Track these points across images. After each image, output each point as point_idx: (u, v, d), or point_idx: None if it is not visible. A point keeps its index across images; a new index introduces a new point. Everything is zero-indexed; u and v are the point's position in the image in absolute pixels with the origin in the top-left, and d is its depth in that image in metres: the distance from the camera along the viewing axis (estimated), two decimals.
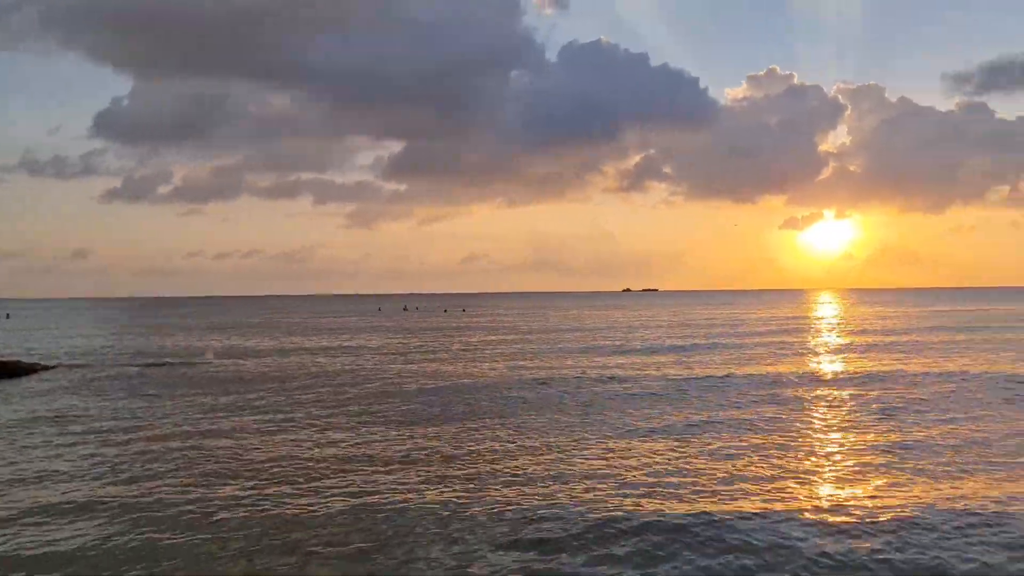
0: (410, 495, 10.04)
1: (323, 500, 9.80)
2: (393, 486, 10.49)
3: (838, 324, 56.03)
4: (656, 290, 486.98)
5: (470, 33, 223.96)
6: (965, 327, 47.12)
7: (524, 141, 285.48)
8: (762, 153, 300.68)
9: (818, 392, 19.70)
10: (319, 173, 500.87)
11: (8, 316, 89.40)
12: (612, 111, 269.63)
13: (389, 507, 9.48)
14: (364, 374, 25.27)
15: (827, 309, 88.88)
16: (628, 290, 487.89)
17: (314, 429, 15.14)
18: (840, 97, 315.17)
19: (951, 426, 14.43)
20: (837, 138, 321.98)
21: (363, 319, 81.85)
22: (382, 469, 11.54)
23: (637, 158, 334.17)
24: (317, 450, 13.00)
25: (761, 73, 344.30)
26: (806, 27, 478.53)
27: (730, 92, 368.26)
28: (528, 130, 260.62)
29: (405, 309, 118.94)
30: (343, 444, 13.51)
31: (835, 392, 19.68)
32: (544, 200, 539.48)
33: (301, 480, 10.93)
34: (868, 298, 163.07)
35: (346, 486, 10.51)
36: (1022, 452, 12.06)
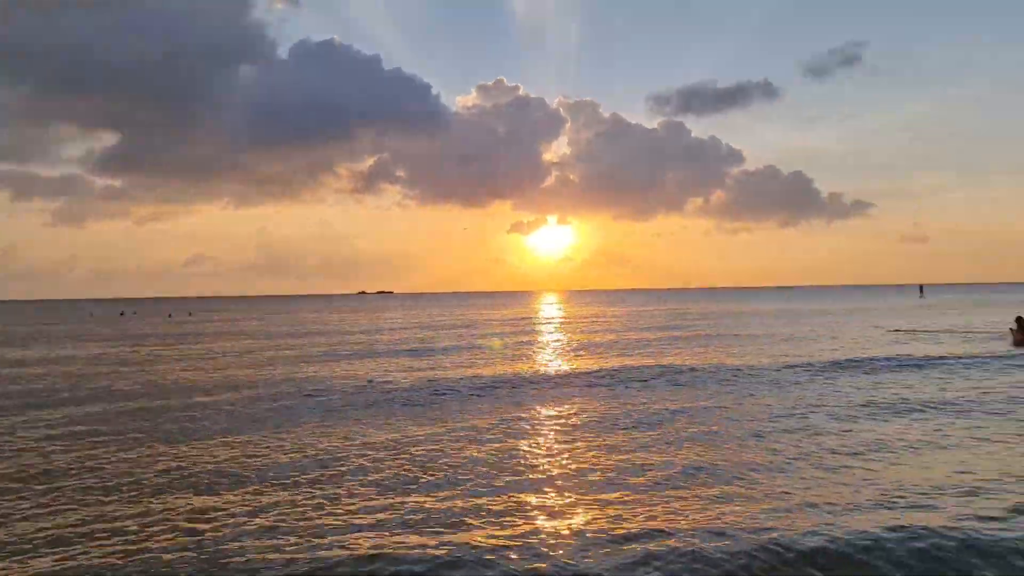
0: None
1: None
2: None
3: (563, 323, 61.27)
4: (392, 292, 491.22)
5: (196, 21, 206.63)
6: (671, 325, 54.15)
7: (254, 139, 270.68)
8: (491, 159, 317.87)
9: (543, 392, 21.18)
10: (19, 164, 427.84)
11: None
12: (345, 112, 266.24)
13: None
14: (84, 385, 22.24)
15: (552, 310, 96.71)
16: (364, 293, 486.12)
17: None
18: (561, 110, 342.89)
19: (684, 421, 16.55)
20: (559, 148, 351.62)
21: (75, 326, 72.01)
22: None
23: (371, 160, 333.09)
24: None
25: (490, 83, 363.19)
26: (531, 43, 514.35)
27: (460, 99, 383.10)
28: (258, 127, 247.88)
29: (122, 315, 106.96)
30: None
31: (561, 393, 21.47)
32: (275, 201, 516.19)
33: None
34: (586, 299, 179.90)
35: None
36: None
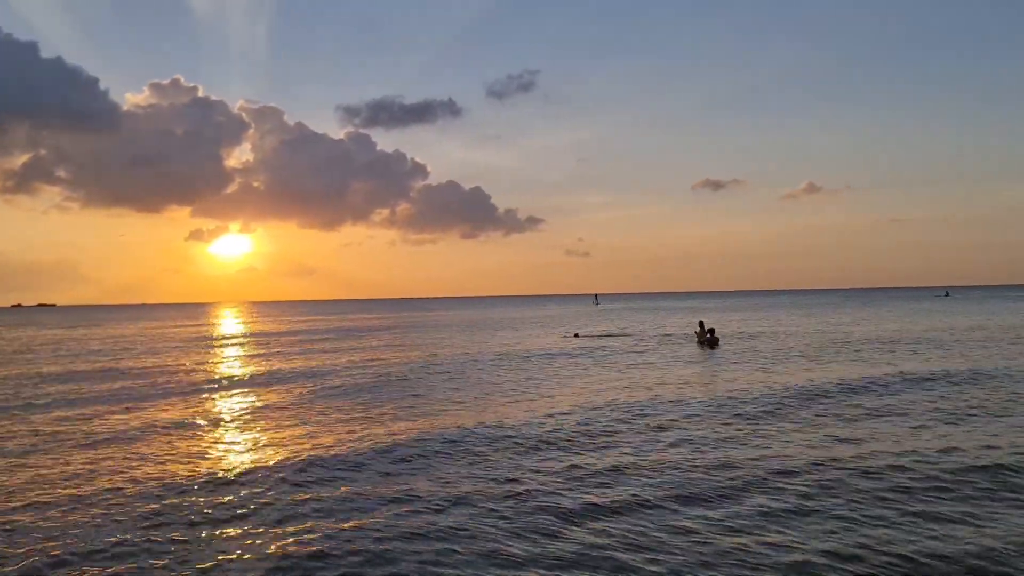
0: None
1: None
2: None
3: (247, 341, 55.04)
4: (54, 305, 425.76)
5: None
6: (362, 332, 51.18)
7: None
8: (167, 162, 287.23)
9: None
10: None
11: None
12: None
13: None
14: None
15: (235, 324, 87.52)
16: (19, 305, 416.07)
17: None
18: (244, 115, 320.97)
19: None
20: (242, 154, 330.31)
21: None
22: None
23: (24, 157, 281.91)
24: None
25: (165, 82, 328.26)
26: (212, 42, 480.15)
27: (131, 97, 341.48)
28: None
29: None
30: None
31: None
32: None
33: None
34: (271, 310, 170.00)
35: None
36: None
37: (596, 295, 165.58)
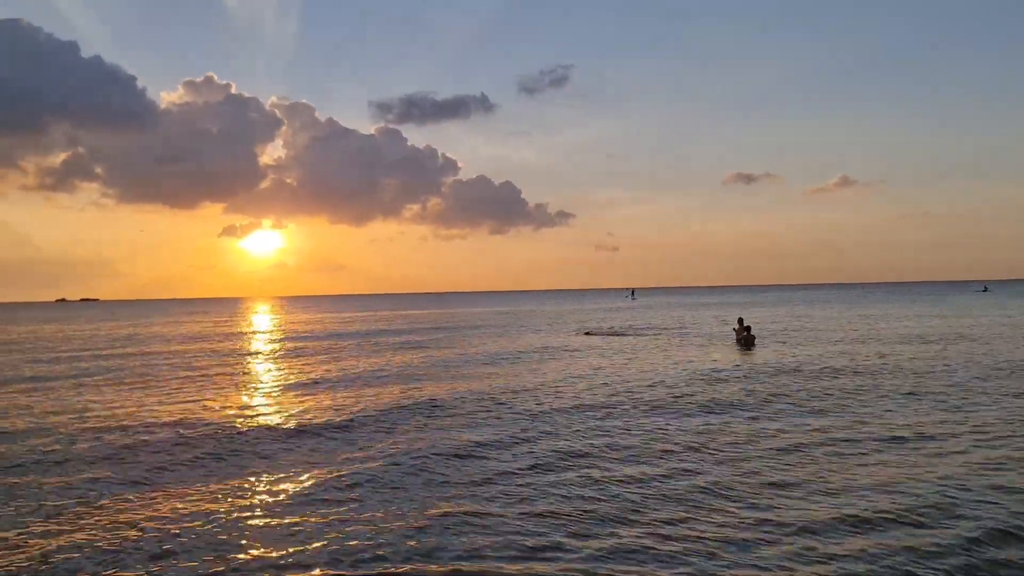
0: None
1: None
2: None
3: (278, 335, 54.80)
4: (97, 300, 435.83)
5: None
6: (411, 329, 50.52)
7: None
8: (201, 159, 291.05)
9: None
10: None
11: None
12: (33, 100, 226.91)
13: None
14: None
15: (267, 319, 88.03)
16: (64, 300, 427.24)
17: None
18: (277, 112, 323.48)
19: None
20: (275, 151, 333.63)
21: None
22: None
23: (64, 155, 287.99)
24: None
25: (199, 79, 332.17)
26: (244, 39, 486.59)
27: (166, 95, 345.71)
28: None
29: None
30: None
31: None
32: None
33: None
34: (303, 304, 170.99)
35: None
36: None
37: (632, 290, 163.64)
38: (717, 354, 27.02)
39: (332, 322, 67.82)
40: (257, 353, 33.87)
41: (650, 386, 18.67)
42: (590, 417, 14.47)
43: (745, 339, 30.97)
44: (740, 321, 33.99)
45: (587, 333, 41.10)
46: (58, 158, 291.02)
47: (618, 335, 39.13)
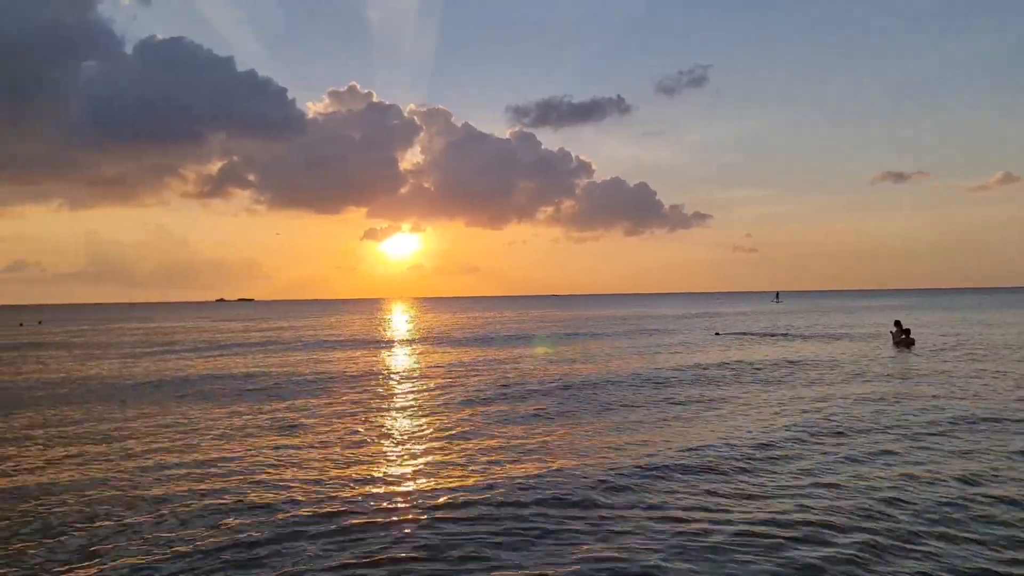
0: None
1: None
2: None
3: (422, 334, 60.11)
4: (252, 300, 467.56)
5: (33, 14, 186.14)
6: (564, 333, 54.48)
7: (92, 138, 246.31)
8: (344, 166, 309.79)
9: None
10: None
11: None
12: (194, 113, 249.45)
13: None
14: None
15: (405, 319, 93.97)
16: (223, 300, 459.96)
17: None
18: (415, 118, 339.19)
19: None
20: (413, 156, 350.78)
21: None
22: None
23: (220, 164, 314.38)
24: None
25: (342, 89, 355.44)
26: (384, 48, 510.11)
27: (312, 105, 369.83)
28: (97, 126, 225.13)
29: None
30: None
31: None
32: (113, 203, 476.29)
33: None
34: (439, 305, 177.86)
35: None
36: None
37: (777, 292, 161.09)
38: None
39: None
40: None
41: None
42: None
43: (904, 341, 31.81)
44: (898, 324, 34.52)
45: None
46: (215, 167, 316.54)
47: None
